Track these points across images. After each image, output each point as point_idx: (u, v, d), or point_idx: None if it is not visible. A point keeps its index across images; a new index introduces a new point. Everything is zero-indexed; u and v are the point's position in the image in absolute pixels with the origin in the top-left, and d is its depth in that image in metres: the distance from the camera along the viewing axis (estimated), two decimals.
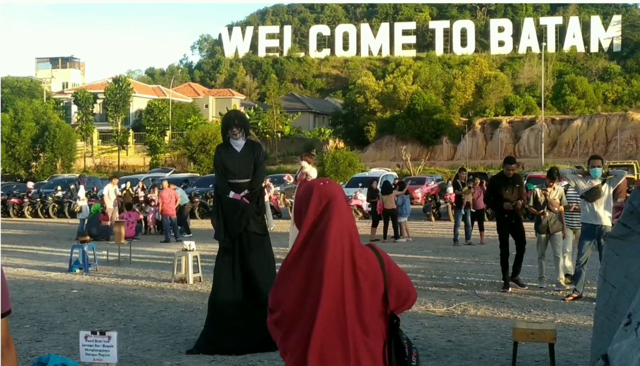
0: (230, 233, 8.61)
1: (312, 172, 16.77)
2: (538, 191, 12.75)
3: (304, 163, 17.05)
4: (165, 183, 24.26)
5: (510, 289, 12.17)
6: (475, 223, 20.99)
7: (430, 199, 31.70)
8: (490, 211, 27.83)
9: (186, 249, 13.90)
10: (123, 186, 29.45)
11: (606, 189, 11.13)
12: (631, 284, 6.38)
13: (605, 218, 10.96)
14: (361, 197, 29.68)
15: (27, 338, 9.14)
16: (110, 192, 24.14)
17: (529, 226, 13.89)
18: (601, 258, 9.77)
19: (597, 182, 11.12)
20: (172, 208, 22.79)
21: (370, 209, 24.82)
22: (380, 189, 24.57)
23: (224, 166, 8.70)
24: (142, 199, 26.99)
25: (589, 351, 7.10)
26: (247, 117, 55.63)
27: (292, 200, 23.83)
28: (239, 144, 8.81)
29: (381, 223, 22.82)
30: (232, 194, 8.63)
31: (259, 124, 71.04)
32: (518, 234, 12.65)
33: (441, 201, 29.96)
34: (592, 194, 10.99)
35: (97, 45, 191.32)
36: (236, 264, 8.60)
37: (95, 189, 33.69)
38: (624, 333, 5.74)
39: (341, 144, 67.18)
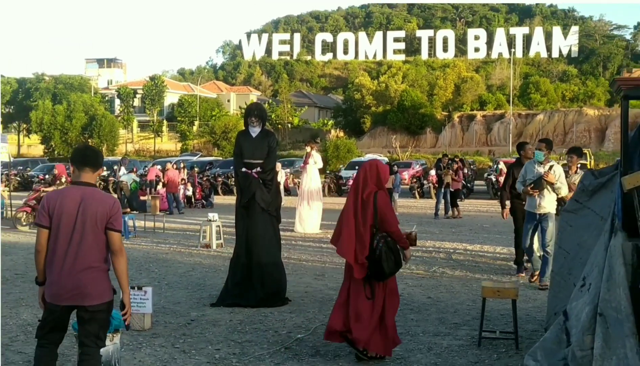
0: (241, 199, 8.66)
1: (317, 157, 16.84)
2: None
3: (308, 148, 17.14)
4: (168, 165, 24.11)
5: (523, 272, 10.38)
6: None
7: (415, 180, 31.59)
8: (465, 192, 27.94)
9: (210, 220, 13.94)
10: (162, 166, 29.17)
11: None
12: (583, 250, 6.38)
13: (542, 208, 9.33)
14: None
15: None
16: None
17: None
18: (542, 244, 9.30)
19: (542, 168, 9.39)
20: (176, 185, 22.55)
21: None
22: None
23: (240, 148, 8.75)
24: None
25: (546, 307, 7.12)
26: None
27: (299, 180, 23.80)
28: (255, 130, 8.83)
29: None
30: (244, 169, 8.69)
31: (272, 116, 70.69)
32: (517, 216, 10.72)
33: (425, 182, 29.90)
34: (536, 184, 9.34)
35: (137, 48, 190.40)
36: (249, 233, 8.61)
37: (135, 169, 33.61)
38: (580, 294, 5.74)
39: (341, 134, 66.81)
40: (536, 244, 9.73)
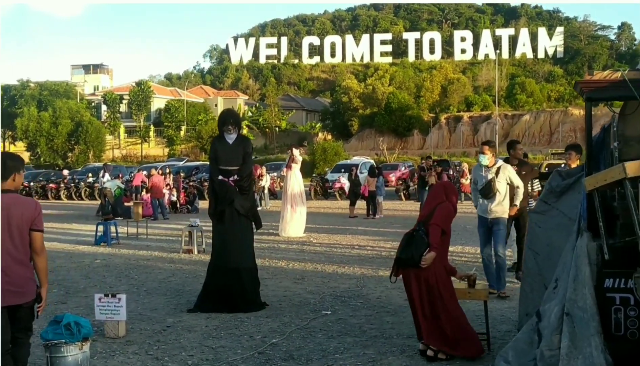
0: (217, 207, 8.67)
1: (297, 157, 16.89)
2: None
3: (295, 152, 17.16)
4: (153, 171, 24.10)
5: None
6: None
7: (401, 182, 31.70)
8: None
9: (192, 226, 13.92)
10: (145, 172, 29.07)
11: (502, 181, 8.84)
12: (553, 251, 6.43)
13: (493, 213, 8.80)
14: (343, 180, 29.65)
15: (54, 301, 9.12)
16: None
17: None
18: (495, 250, 8.79)
19: (491, 174, 8.82)
20: (160, 191, 22.49)
21: (349, 191, 24.78)
22: (360, 174, 24.61)
23: (216, 155, 8.73)
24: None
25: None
26: (250, 114, 54.44)
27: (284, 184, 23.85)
28: (231, 137, 8.82)
29: (362, 203, 22.90)
30: (220, 177, 8.68)
31: (260, 120, 70.79)
32: (522, 225, 9.75)
33: (411, 183, 29.99)
34: (486, 191, 8.80)
35: (124, 54, 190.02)
36: (227, 238, 8.62)
37: (120, 175, 33.50)
38: (552, 295, 5.80)
39: (329, 137, 66.92)
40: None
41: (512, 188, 9.00)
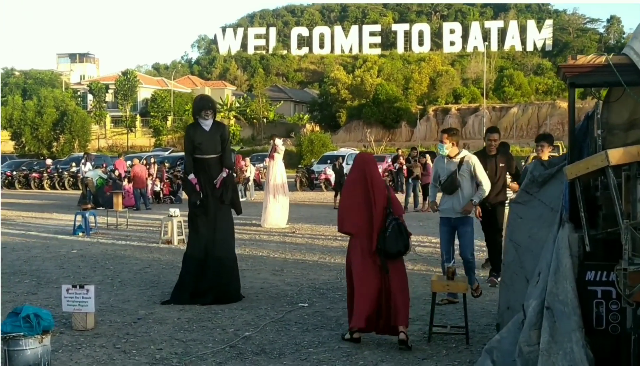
0: (193, 198, 8.41)
1: (280, 147, 16.67)
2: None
3: (278, 141, 16.90)
4: (136, 160, 23.87)
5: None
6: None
7: (387, 174, 31.49)
8: None
9: (171, 216, 13.67)
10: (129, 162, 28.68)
11: (466, 175, 7.94)
12: (534, 243, 6.25)
13: (459, 211, 7.96)
14: (329, 172, 29.45)
15: (25, 292, 8.88)
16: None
17: None
18: (462, 251, 8.10)
19: (453, 166, 7.91)
20: (142, 181, 22.22)
21: (334, 182, 24.56)
22: (346, 165, 24.39)
23: (193, 144, 8.42)
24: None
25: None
26: (238, 105, 54.49)
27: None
28: (207, 124, 8.52)
29: None
30: (190, 176, 8.38)
31: (248, 110, 70.40)
32: (493, 221, 9.02)
33: (397, 165, 29.81)
34: (447, 186, 7.93)
35: (111, 42, 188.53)
36: (202, 229, 8.37)
37: (104, 165, 33.11)
38: (535, 290, 5.62)
39: (317, 128, 66.56)
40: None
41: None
